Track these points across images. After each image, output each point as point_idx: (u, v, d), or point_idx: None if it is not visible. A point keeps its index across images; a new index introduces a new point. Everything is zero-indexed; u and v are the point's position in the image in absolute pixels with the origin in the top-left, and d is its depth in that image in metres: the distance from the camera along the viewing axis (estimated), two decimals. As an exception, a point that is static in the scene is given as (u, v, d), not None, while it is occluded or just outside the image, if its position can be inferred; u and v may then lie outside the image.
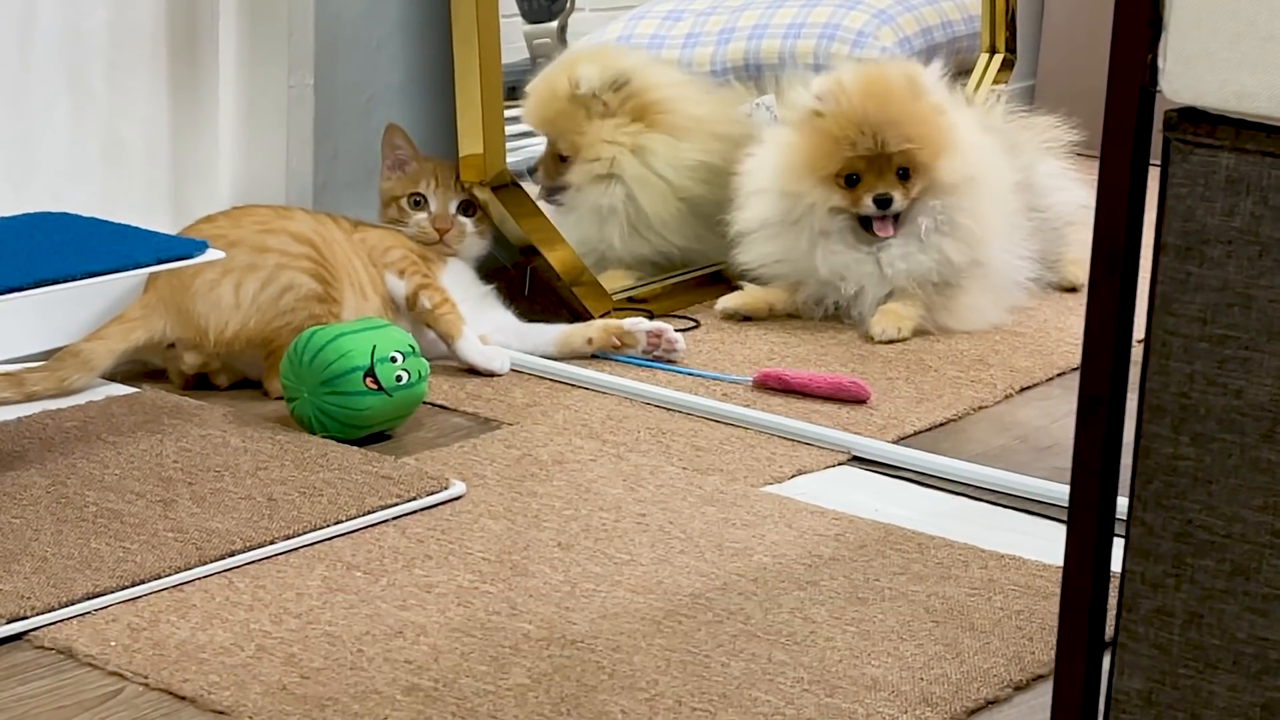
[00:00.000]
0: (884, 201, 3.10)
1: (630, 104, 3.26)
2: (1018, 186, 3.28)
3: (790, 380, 2.87)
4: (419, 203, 3.01)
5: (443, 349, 2.90)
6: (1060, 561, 1.63)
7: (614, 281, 3.24)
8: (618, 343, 2.99)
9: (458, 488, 2.44)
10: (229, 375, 2.80)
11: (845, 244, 3.14)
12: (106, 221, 2.60)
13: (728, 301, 3.21)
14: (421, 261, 2.94)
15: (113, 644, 2.02)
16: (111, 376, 2.75)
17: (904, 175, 3.11)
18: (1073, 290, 3.39)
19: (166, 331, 2.75)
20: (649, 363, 2.97)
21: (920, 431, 2.75)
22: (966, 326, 3.17)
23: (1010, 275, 3.25)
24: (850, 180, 3.12)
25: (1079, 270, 3.36)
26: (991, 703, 1.98)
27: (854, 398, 2.83)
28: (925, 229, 3.12)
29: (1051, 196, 3.40)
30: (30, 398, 2.66)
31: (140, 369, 2.81)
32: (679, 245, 3.31)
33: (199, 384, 2.79)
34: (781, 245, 3.19)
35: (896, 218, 3.13)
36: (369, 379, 2.58)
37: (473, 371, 2.89)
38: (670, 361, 2.97)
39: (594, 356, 2.99)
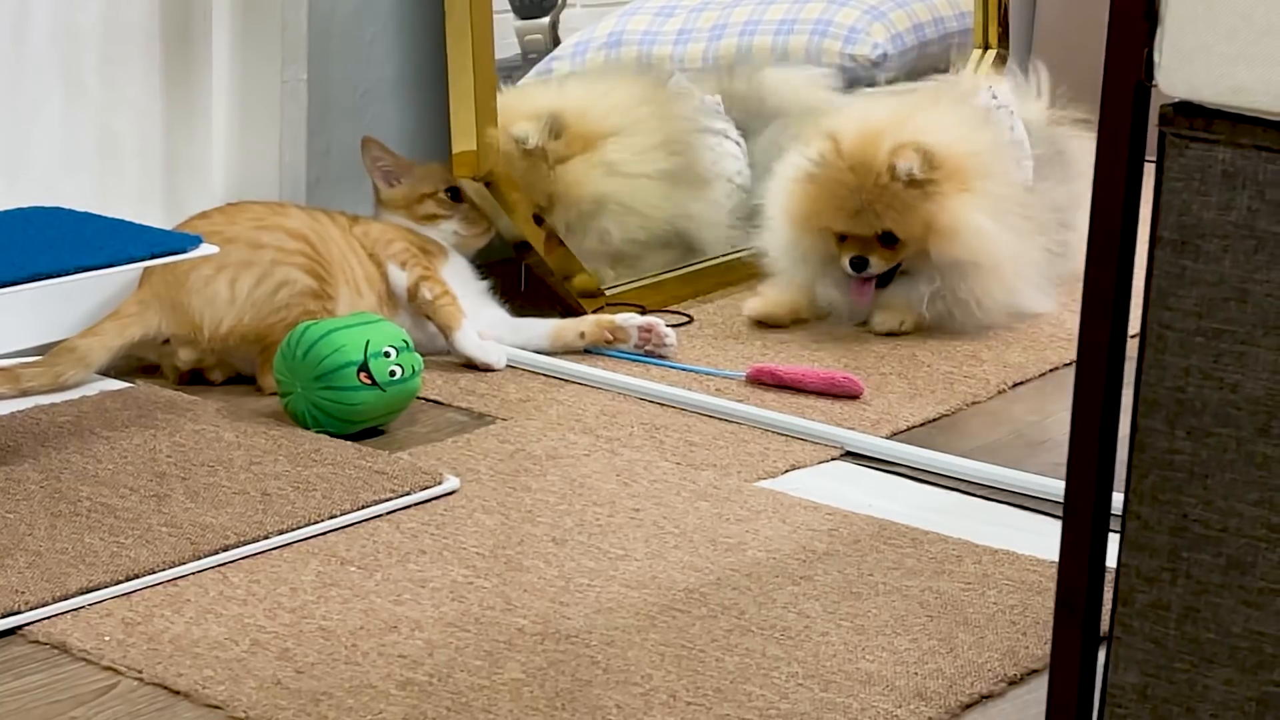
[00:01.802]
0: (859, 264, 3.09)
1: (571, 138, 3.22)
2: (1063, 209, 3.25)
3: (783, 375, 2.87)
4: (456, 193, 3.02)
5: (441, 344, 2.90)
6: (1054, 556, 1.63)
7: (608, 277, 3.24)
8: (610, 337, 2.99)
9: (451, 483, 2.44)
10: (223, 370, 2.79)
11: (840, 286, 3.14)
12: (100, 216, 2.60)
13: (754, 308, 3.17)
14: (423, 255, 2.94)
15: (107, 639, 2.02)
16: (105, 371, 2.74)
17: (890, 240, 3.10)
18: None
19: (161, 327, 2.75)
20: (641, 358, 2.97)
21: (914, 427, 2.75)
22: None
23: (1028, 299, 3.23)
24: (842, 236, 3.11)
25: None
26: (986, 697, 1.98)
27: (847, 393, 2.83)
28: (926, 299, 3.10)
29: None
30: (25, 393, 2.66)
31: (134, 364, 2.81)
32: (669, 220, 3.30)
33: (193, 379, 2.79)
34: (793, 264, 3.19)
35: (886, 279, 3.12)
36: (363, 374, 2.57)
37: (469, 365, 2.89)
38: (662, 357, 2.97)
39: (586, 351, 2.99)
